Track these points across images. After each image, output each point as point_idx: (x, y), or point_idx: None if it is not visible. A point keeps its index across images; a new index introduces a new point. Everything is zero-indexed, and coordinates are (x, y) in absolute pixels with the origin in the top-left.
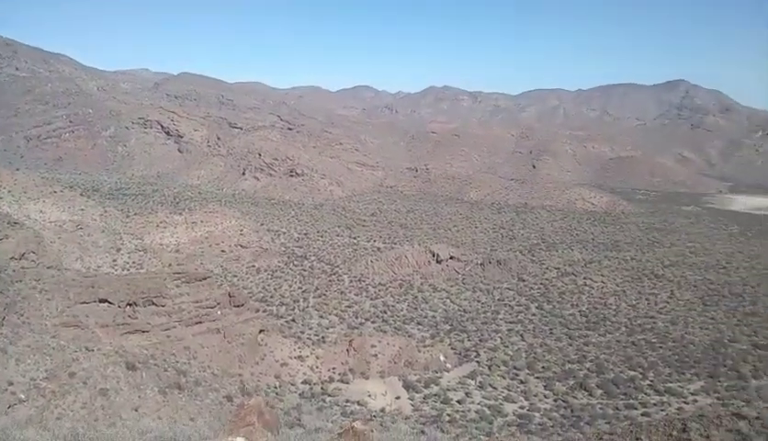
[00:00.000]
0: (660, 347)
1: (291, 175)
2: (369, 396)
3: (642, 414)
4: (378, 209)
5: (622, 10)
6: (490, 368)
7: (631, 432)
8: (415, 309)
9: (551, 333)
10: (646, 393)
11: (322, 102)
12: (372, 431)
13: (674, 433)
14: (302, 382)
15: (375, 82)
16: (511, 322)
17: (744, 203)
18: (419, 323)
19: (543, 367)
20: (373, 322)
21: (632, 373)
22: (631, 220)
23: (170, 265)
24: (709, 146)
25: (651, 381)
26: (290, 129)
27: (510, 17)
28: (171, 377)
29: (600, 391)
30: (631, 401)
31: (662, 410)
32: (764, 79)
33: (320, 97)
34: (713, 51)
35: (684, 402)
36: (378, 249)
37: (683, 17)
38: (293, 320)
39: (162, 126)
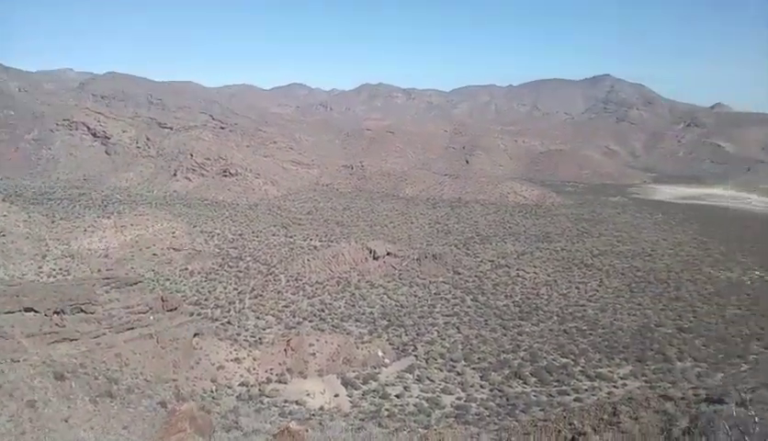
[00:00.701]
0: (591, 334)
1: (224, 175)
2: (308, 395)
3: (575, 400)
4: (314, 207)
5: (549, 7)
6: (427, 362)
7: (564, 417)
8: (353, 306)
9: (486, 324)
10: (578, 379)
11: (255, 100)
12: (307, 430)
13: (605, 416)
14: (239, 385)
15: (308, 79)
16: (447, 315)
17: (667, 192)
18: (357, 320)
19: (479, 358)
20: (311, 321)
21: (564, 360)
22: (561, 211)
23: (99, 270)
24: (634, 138)
25: (583, 367)
26: (223, 128)
27: (442, 14)
28: (102, 385)
29: (534, 379)
30: (564, 387)
31: (594, 395)
32: (685, 72)
33: (253, 95)
34: (635, 46)
35: (614, 386)
36: (315, 247)
37: (608, 13)
38: (229, 322)
39: (88, 127)
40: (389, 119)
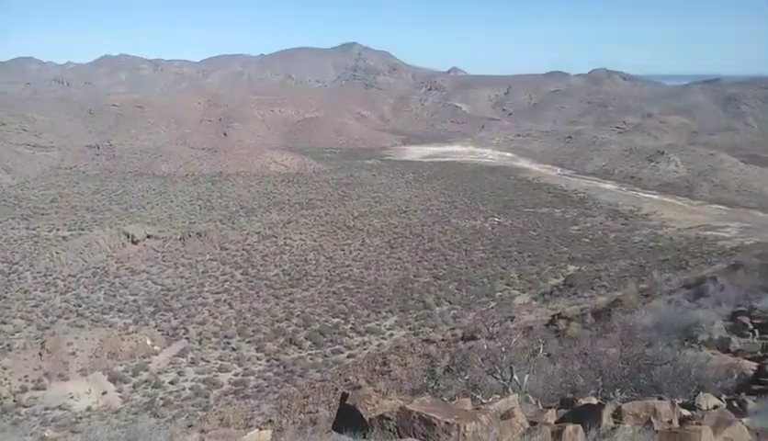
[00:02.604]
0: (358, 292)
1: None
2: (72, 398)
3: (348, 357)
4: (59, 193)
5: None
6: (200, 343)
7: (340, 375)
8: (114, 296)
9: (258, 296)
10: (349, 336)
11: None
12: (65, 437)
13: (377, 367)
14: None
15: (39, 52)
16: (217, 293)
17: (416, 153)
18: (120, 311)
19: (253, 331)
20: (67, 318)
21: (336, 320)
22: (322, 177)
23: None
24: (382, 103)
25: (353, 324)
26: None
27: None
28: None
29: (309, 343)
30: (337, 346)
31: (365, 349)
32: (424, 39)
33: None
34: (379, 14)
35: (383, 338)
36: (64, 238)
37: None
38: None
39: None
40: (137, 93)
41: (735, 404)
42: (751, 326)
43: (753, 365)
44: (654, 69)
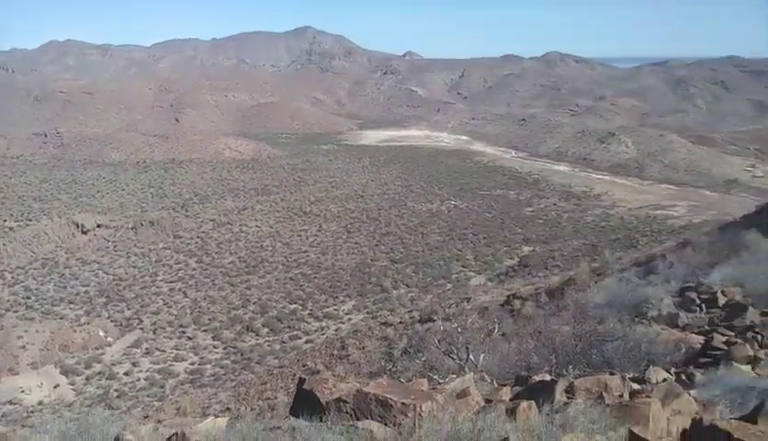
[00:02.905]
0: (315, 277)
1: None
2: (23, 392)
3: (306, 342)
4: (5, 183)
5: None
6: (155, 332)
7: (298, 360)
8: (64, 287)
9: (213, 284)
10: (307, 322)
11: None
12: (15, 431)
13: (335, 351)
14: None
15: None
16: (171, 282)
17: (372, 137)
18: (71, 302)
19: (209, 319)
20: (15, 311)
21: (293, 306)
22: (277, 163)
23: None
24: (338, 87)
25: (311, 310)
26: None
27: None
28: None
29: (266, 330)
30: (295, 332)
31: (323, 334)
32: (381, 23)
33: None
34: None
35: (341, 323)
36: (11, 229)
37: None
38: None
39: None
40: (85, 79)
41: (683, 377)
42: (698, 301)
43: (701, 339)
44: (606, 52)
